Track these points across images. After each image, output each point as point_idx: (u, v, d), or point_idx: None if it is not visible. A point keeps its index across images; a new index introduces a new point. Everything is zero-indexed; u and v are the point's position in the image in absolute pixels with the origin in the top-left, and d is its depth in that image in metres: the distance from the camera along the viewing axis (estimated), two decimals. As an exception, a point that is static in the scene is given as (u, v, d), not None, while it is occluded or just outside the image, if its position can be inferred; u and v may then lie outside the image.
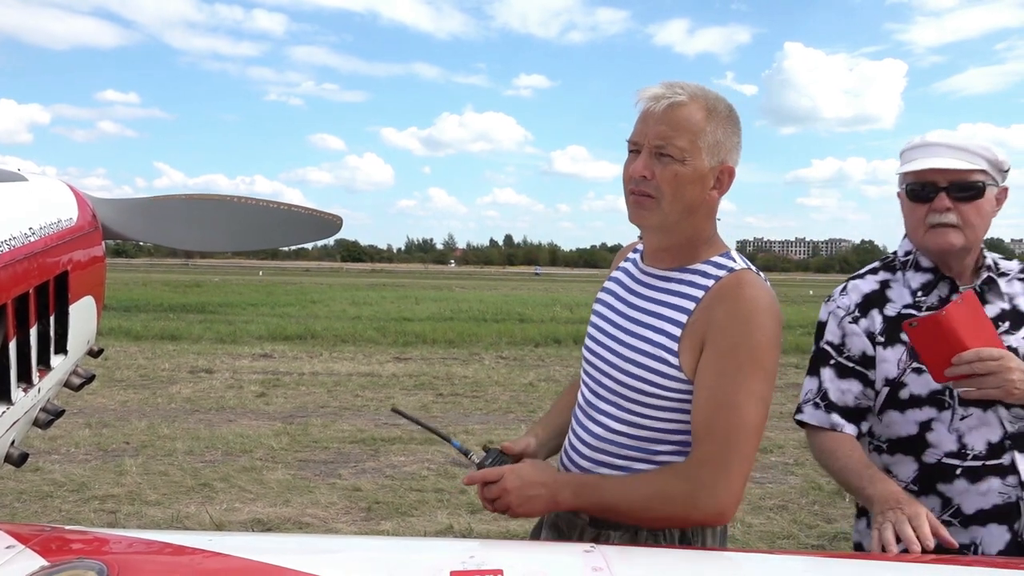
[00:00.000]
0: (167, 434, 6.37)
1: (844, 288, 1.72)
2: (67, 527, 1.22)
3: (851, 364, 1.65)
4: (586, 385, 1.51)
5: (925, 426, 1.57)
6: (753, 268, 1.40)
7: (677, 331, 1.35)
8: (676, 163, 1.34)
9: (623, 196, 1.42)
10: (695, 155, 1.34)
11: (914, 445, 1.59)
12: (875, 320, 1.64)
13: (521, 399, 8.22)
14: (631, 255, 1.57)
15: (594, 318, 1.54)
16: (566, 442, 1.56)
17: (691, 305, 1.35)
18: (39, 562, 1.04)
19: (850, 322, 1.66)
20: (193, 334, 13.47)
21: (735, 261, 1.40)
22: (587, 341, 1.52)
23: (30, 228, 2.00)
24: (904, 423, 1.59)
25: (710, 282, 1.36)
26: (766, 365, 1.33)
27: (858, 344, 1.64)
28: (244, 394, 8.28)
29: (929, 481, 1.56)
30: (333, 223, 3.09)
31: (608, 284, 1.56)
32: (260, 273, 59.25)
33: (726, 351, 1.30)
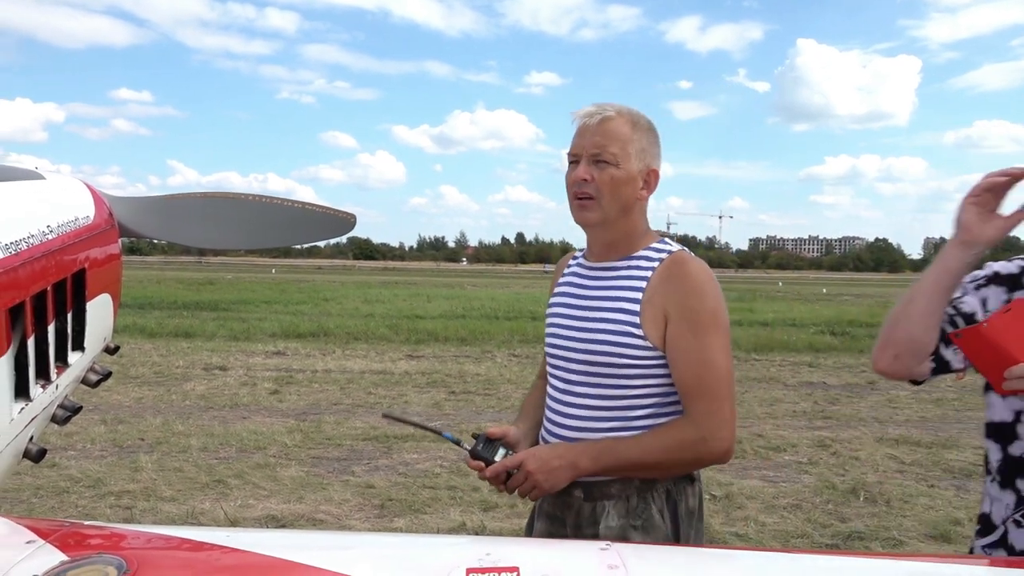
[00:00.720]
0: (182, 431, 6.41)
1: (982, 266, 1.62)
2: (85, 522, 1.23)
3: (953, 313, 1.53)
4: (556, 377, 1.67)
5: (1020, 415, 1.47)
6: (686, 249, 1.64)
7: (636, 306, 1.56)
8: (611, 167, 1.57)
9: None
10: (626, 160, 1.58)
11: (1005, 433, 1.49)
12: (996, 295, 1.55)
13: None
14: (572, 263, 1.79)
15: (553, 319, 1.72)
16: (543, 432, 1.69)
17: (643, 283, 1.57)
18: (59, 557, 1.05)
19: (974, 288, 1.56)
20: (207, 332, 13.55)
21: (671, 245, 1.63)
22: (551, 340, 1.71)
23: (48, 226, 2.01)
24: (1002, 408, 1.50)
25: (655, 263, 1.59)
26: (723, 323, 1.56)
27: (970, 303, 1.54)
28: (258, 391, 8.32)
29: (1010, 474, 1.47)
30: (347, 221, 3.10)
31: (559, 289, 1.76)
32: (273, 271, 59.49)
33: (690, 319, 1.53)
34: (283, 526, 4.26)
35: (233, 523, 4.27)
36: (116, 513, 4.38)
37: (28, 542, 1.13)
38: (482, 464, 1.60)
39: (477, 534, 4.13)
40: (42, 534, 1.14)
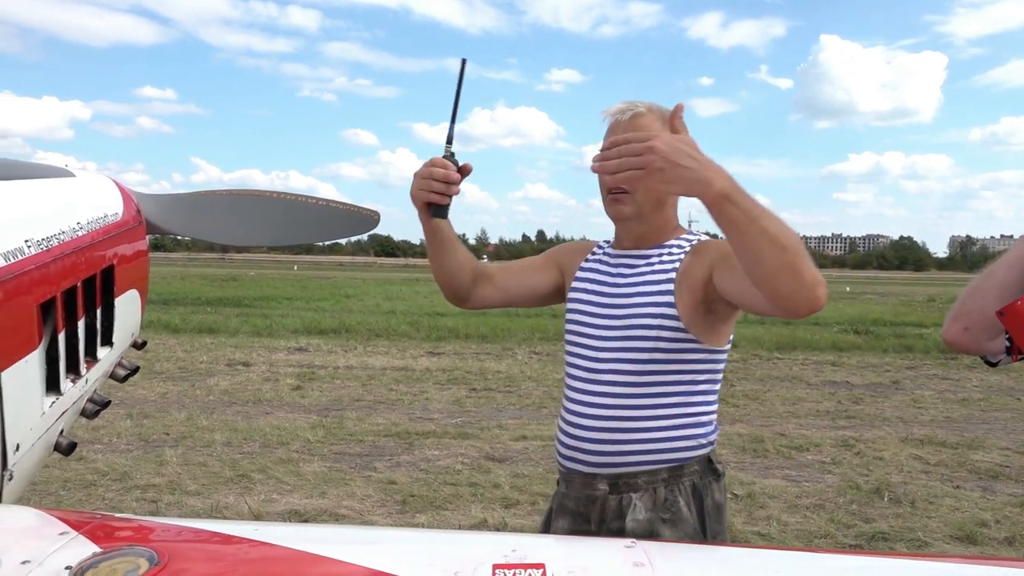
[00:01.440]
0: (206, 425, 6.48)
1: None
2: (116, 515, 1.25)
3: None
4: (578, 366, 1.65)
5: None
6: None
7: (670, 286, 1.57)
8: None
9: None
10: None
11: None
12: None
13: (554, 394, 8.22)
14: (597, 252, 1.77)
15: (578, 304, 1.71)
16: (563, 424, 1.66)
17: (676, 264, 1.59)
18: (91, 548, 1.07)
19: None
20: (230, 327, 13.67)
21: (703, 235, 1.67)
22: (574, 327, 1.70)
23: (78, 223, 2.04)
24: None
25: (687, 247, 1.62)
26: None
27: None
28: (280, 387, 8.39)
29: None
30: (370, 218, 3.11)
31: (584, 275, 1.74)
32: (295, 268, 59.89)
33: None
34: (306, 521, 4.30)
35: (257, 517, 4.31)
36: (142, 506, 4.43)
37: (61, 533, 1.15)
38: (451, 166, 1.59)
39: (499, 531, 4.14)
40: (74, 526, 1.16)
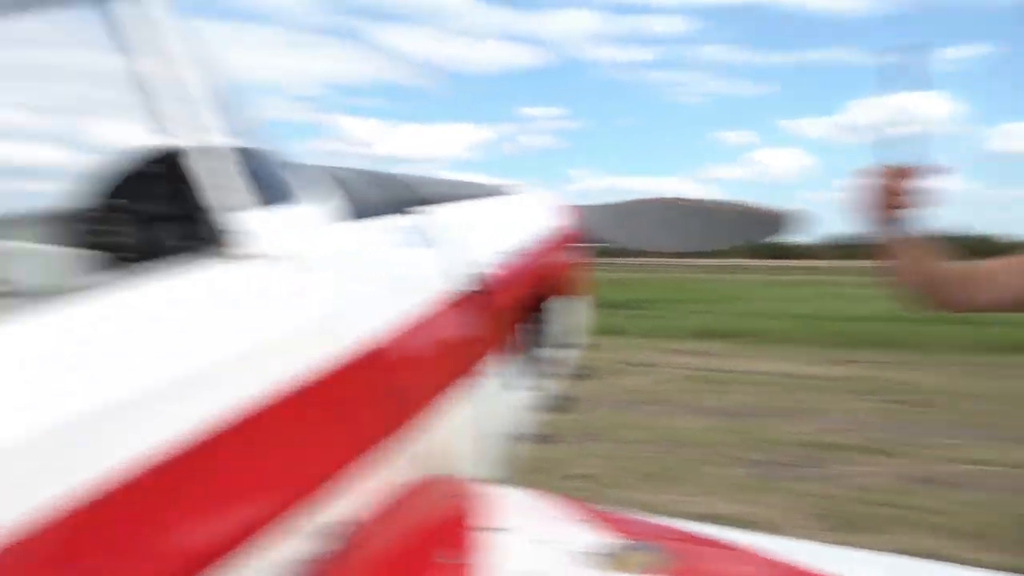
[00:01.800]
0: (620, 423, 6.82)
1: None
2: (615, 509, 1.34)
3: None
4: None
5: None
6: None
7: None
8: None
9: None
10: None
11: None
12: None
13: (996, 413, 7.07)
14: None
15: None
16: None
17: None
18: (604, 537, 1.15)
19: None
20: (631, 329, 14.22)
21: None
22: None
23: (528, 235, 2.26)
24: None
25: None
26: None
27: None
28: (683, 389, 8.51)
29: None
30: (789, 219, 2.98)
31: None
32: (674, 271, 60.41)
33: None
34: (726, 526, 4.28)
35: (676, 517, 4.39)
36: (581, 497, 4.80)
37: (566, 519, 1.26)
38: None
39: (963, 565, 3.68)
40: (577, 513, 1.27)
